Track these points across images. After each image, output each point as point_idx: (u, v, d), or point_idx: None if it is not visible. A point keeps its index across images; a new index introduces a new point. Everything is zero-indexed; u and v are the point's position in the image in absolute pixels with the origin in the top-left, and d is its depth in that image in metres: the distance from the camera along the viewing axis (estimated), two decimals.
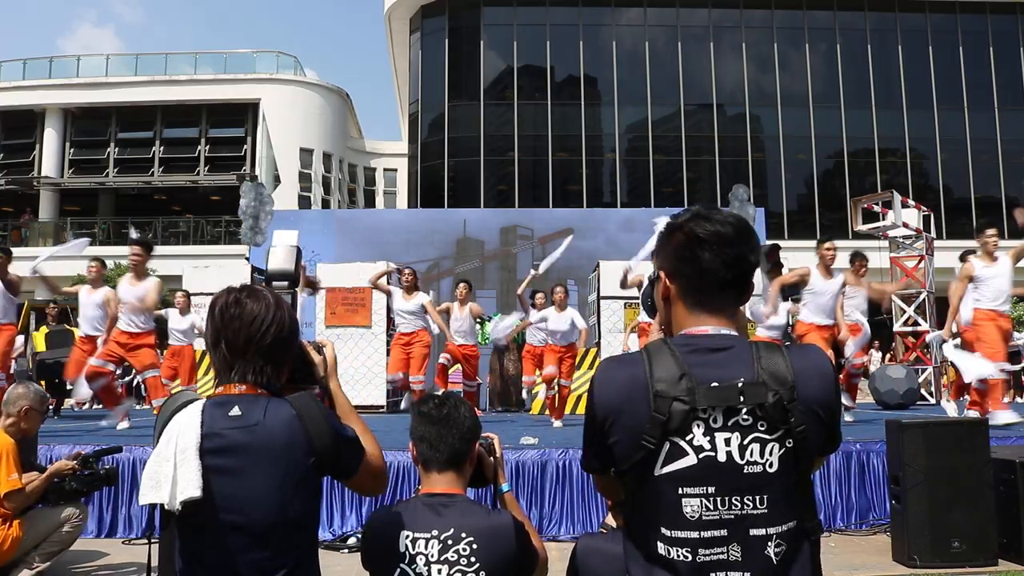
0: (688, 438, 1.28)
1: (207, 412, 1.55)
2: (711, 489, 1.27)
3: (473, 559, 1.76)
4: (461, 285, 8.55)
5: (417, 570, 1.76)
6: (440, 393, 2.03)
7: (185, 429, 1.53)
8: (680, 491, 1.28)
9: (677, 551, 1.28)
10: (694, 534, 1.27)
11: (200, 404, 1.58)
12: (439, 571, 1.75)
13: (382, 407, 10.32)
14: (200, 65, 28.73)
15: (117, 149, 27.94)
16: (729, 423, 1.28)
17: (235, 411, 1.54)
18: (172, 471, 1.49)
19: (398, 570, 1.77)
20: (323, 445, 1.55)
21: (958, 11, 26.28)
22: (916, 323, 12.19)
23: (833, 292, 6.93)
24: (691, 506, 1.27)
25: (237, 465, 1.50)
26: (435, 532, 1.78)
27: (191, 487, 1.47)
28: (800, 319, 7.14)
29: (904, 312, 12.33)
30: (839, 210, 23.66)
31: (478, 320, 10.96)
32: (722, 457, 1.27)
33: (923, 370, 11.93)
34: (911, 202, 13.19)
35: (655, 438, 1.28)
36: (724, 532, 1.27)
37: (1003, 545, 4.25)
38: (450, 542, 1.77)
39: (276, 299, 1.66)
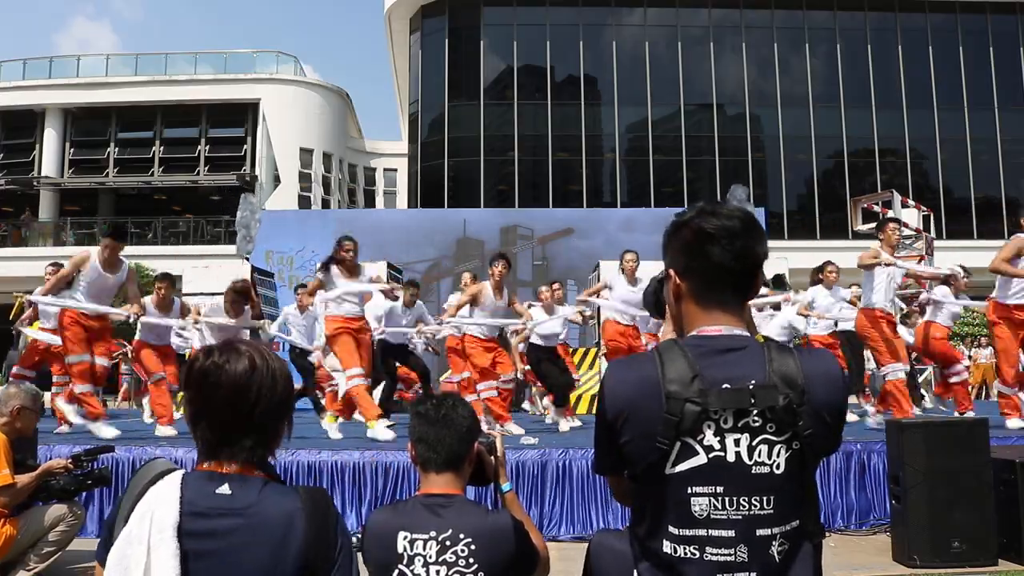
0: (699, 438, 1.29)
1: (189, 486, 1.33)
2: (719, 489, 1.28)
3: (472, 560, 1.75)
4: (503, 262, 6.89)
5: (415, 571, 1.75)
6: (438, 392, 2.02)
7: (161, 505, 1.31)
8: (690, 490, 1.29)
9: (685, 549, 1.29)
10: (702, 532, 1.28)
11: (179, 476, 1.36)
12: (437, 572, 1.74)
13: None
14: (200, 65, 28.73)
15: (117, 149, 27.92)
16: (739, 424, 1.29)
17: (224, 489, 1.34)
18: (145, 556, 1.27)
19: (396, 571, 1.76)
20: (318, 553, 1.33)
21: (958, 11, 26.26)
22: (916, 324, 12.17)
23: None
24: (700, 505, 1.29)
25: (222, 548, 1.30)
26: (433, 533, 1.77)
27: (168, 575, 1.27)
28: None
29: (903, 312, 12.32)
30: (839, 210, 23.65)
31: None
32: (731, 457, 1.29)
33: (923, 370, 11.92)
34: (911, 202, 13.20)
35: (668, 439, 1.29)
36: (732, 533, 1.28)
37: (1003, 545, 4.24)
38: (448, 543, 1.76)
39: (262, 355, 1.40)
